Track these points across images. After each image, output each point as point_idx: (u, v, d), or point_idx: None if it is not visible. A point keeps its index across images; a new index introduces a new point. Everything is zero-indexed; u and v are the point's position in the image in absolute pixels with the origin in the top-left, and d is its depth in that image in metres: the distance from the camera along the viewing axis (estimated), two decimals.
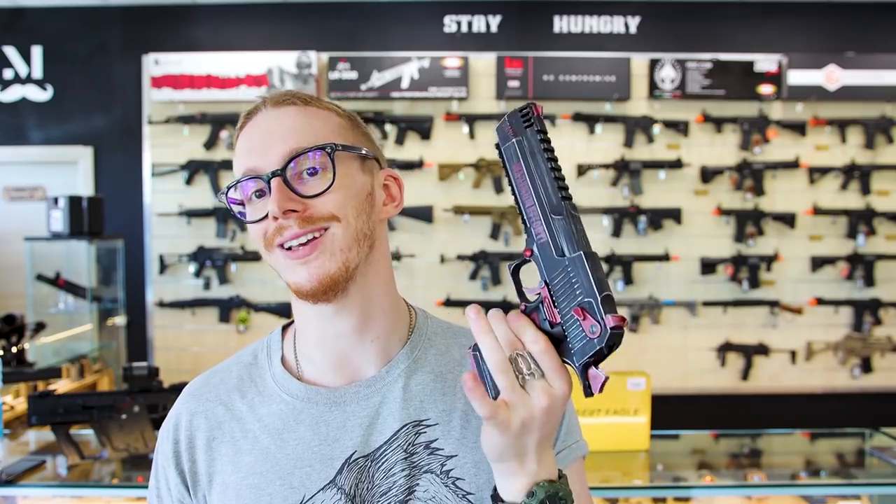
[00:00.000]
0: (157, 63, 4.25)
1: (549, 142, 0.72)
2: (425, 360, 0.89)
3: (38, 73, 4.41)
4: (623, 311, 4.34)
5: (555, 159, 0.72)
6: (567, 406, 0.89)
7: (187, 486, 0.88)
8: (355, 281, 0.83)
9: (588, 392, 0.66)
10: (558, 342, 0.69)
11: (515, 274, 0.74)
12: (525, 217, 0.72)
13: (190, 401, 0.91)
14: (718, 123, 4.29)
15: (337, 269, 0.80)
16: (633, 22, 4.37)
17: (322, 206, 0.80)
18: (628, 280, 4.27)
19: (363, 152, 0.85)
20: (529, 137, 0.72)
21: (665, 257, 4.28)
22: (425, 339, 0.91)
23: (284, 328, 0.96)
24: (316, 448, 0.84)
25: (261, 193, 0.82)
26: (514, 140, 0.73)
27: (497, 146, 0.74)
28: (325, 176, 0.81)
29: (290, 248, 0.80)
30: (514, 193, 0.73)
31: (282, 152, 0.80)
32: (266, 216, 0.80)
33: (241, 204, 0.85)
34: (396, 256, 4.21)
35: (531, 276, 0.72)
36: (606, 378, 0.66)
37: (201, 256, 4.28)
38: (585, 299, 0.66)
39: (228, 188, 0.84)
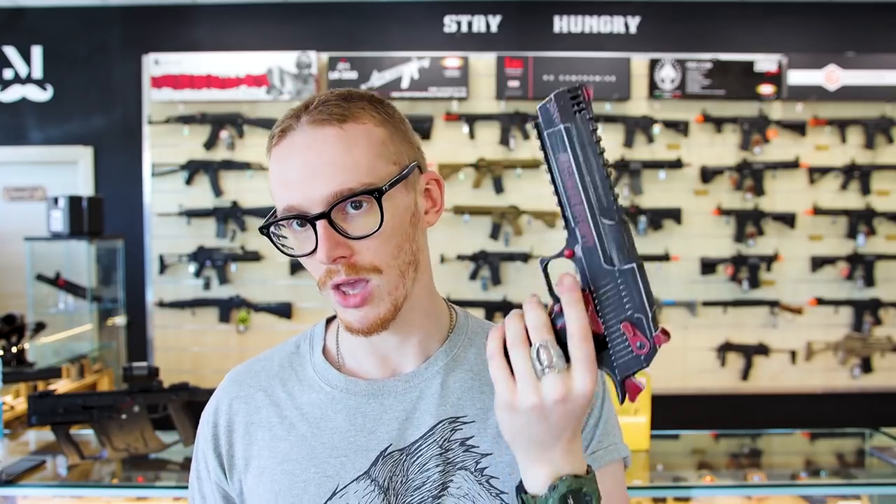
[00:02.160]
0: (157, 63, 4.25)
1: (599, 134, 0.66)
2: (464, 359, 0.89)
3: (38, 73, 4.41)
4: None
5: (605, 155, 0.66)
6: (607, 407, 0.90)
7: (224, 470, 0.90)
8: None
9: (623, 400, 0.66)
10: (597, 349, 0.65)
11: (547, 269, 0.69)
12: (569, 214, 0.66)
13: (231, 386, 0.93)
14: (718, 123, 4.29)
15: (387, 310, 0.81)
16: (633, 22, 4.37)
17: (366, 254, 0.79)
18: None
19: (405, 172, 0.82)
20: (580, 125, 0.65)
21: (665, 257, 4.28)
22: (465, 337, 0.91)
23: (329, 320, 0.96)
24: (352, 438, 0.85)
25: (302, 224, 0.79)
26: (561, 126, 0.65)
27: (537, 126, 0.66)
28: (371, 212, 0.78)
29: (343, 292, 0.80)
30: (555, 186, 0.66)
31: (325, 194, 0.77)
32: (312, 253, 0.79)
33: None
34: None
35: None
36: (643, 387, 0.65)
37: (201, 256, 4.28)
38: (636, 315, 0.64)
39: (271, 224, 0.81)
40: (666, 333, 0.63)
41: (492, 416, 0.85)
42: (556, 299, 0.67)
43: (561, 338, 0.66)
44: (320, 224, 0.77)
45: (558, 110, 0.64)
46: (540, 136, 0.66)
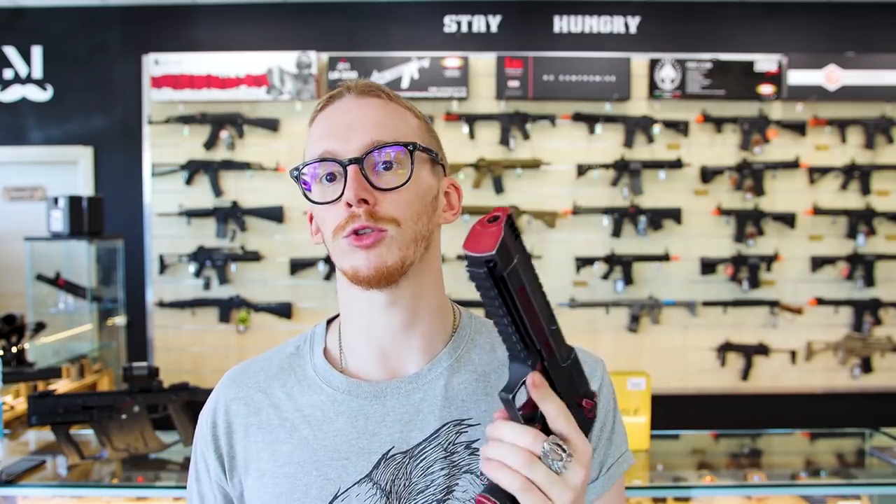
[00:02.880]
0: (157, 63, 4.25)
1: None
2: (468, 360, 0.89)
3: (38, 73, 4.41)
4: (623, 311, 4.35)
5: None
6: (614, 413, 0.90)
7: (225, 471, 0.89)
8: (408, 277, 0.84)
9: None
10: None
11: (514, 400, 0.68)
12: (532, 338, 0.67)
13: (230, 386, 0.92)
14: (718, 123, 4.29)
15: (394, 262, 0.81)
16: (633, 22, 4.37)
17: (388, 206, 0.81)
18: (628, 280, 4.27)
19: (435, 156, 0.87)
20: (522, 250, 0.65)
21: (665, 257, 4.28)
22: (468, 338, 0.91)
23: (329, 321, 0.96)
24: (354, 441, 0.84)
25: (331, 178, 0.83)
26: (515, 260, 0.64)
27: (491, 273, 0.63)
28: (399, 172, 0.82)
29: (357, 234, 0.81)
30: (514, 318, 0.66)
31: (363, 141, 0.82)
32: (336, 199, 0.81)
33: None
34: None
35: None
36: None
37: (201, 256, 4.28)
38: (584, 389, 0.72)
39: (304, 165, 0.84)
40: (595, 396, 0.74)
41: None
42: (528, 420, 0.69)
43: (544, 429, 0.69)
44: (351, 168, 0.80)
45: (510, 248, 0.63)
46: (496, 283, 0.64)
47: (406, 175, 0.82)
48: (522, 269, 0.65)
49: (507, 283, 0.64)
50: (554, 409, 0.68)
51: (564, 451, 0.67)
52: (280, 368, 0.92)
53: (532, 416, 0.69)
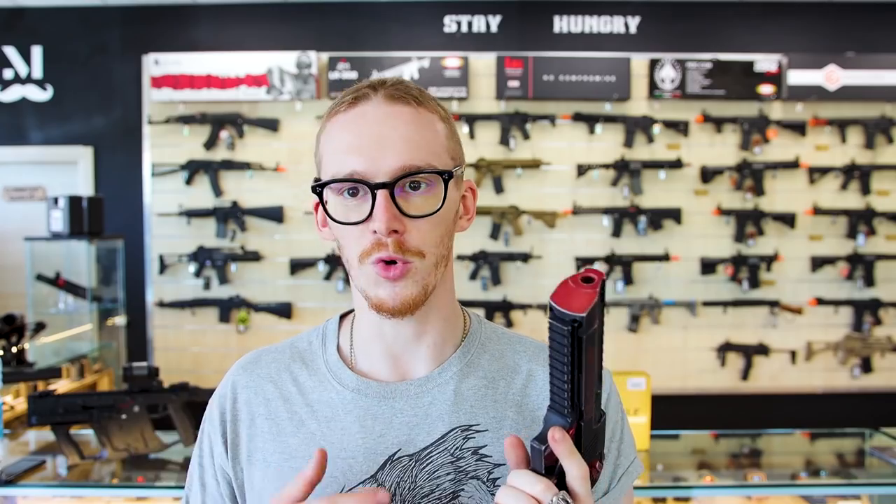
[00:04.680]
0: (157, 63, 4.25)
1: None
2: (478, 365, 0.88)
3: (38, 73, 4.41)
4: (623, 311, 4.35)
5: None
6: (622, 424, 0.91)
7: (229, 456, 0.89)
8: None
9: None
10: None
11: (543, 452, 0.70)
12: (577, 397, 0.68)
13: (241, 373, 0.92)
14: (718, 123, 4.29)
15: (418, 293, 0.81)
16: (633, 22, 4.37)
17: (416, 235, 0.79)
18: (628, 280, 4.28)
19: (460, 169, 0.84)
20: (602, 314, 0.66)
21: (665, 257, 4.28)
22: (479, 344, 0.90)
23: (342, 317, 0.95)
24: (360, 441, 0.84)
25: (354, 192, 0.80)
26: (596, 325, 0.65)
27: (571, 332, 0.64)
28: (428, 195, 0.80)
29: (385, 263, 0.79)
30: (573, 376, 0.67)
31: (396, 165, 0.78)
32: (362, 221, 0.79)
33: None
34: None
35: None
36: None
37: (201, 256, 4.28)
38: (600, 451, 0.74)
39: (327, 183, 0.80)
40: (604, 458, 0.77)
41: (506, 426, 0.85)
42: (549, 469, 0.71)
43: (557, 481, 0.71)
44: (381, 193, 0.77)
45: (597, 312, 0.65)
46: (573, 341, 0.65)
47: (437, 202, 0.80)
48: (598, 335, 0.66)
49: (582, 344, 0.65)
50: (576, 471, 0.69)
51: None
52: (292, 361, 0.91)
53: (552, 468, 0.70)
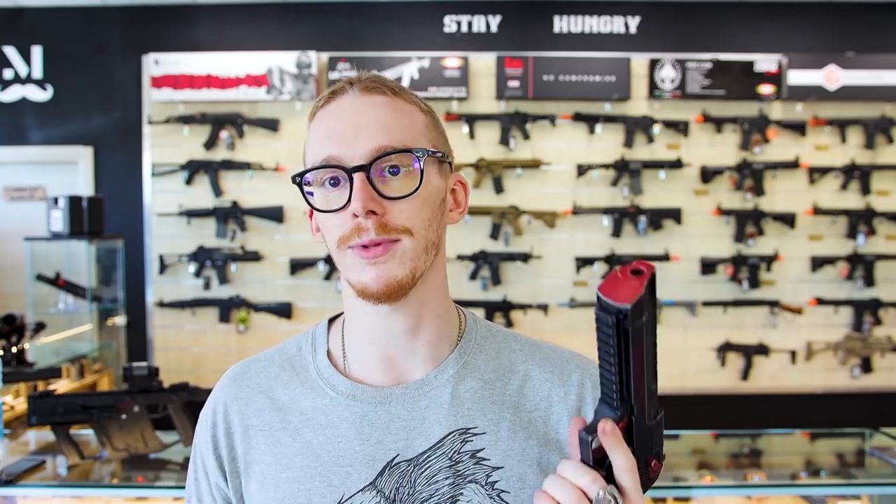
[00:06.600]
0: (157, 63, 4.25)
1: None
2: (475, 366, 0.87)
3: (38, 73, 4.41)
4: None
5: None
6: None
7: (224, 473, 0.87)
8: (415, 285, 0.82)
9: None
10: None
11: (591, 443, 0.70)
12: (626, 390, 0.67)
13: (230, 386, 0.90)
14: (718, 123, 4.29)
15: (404, 275, 0.79)
16: (633, 22, 4.37)
17: (398, 215, 0.79)
18: None
19: (443, 156, 0.84)
20: (652, 309, 0.65)
21: (665, 257, 4.28)
22: (474, 343, 0.89)
23: (331, 321, 0.93)
24: (358, 448, 0.82)
25: (335, 182, 0.80)
26: (643, 318, 0.64)
27: (616, 323, 0.63)
28: (407, 178, 0.79)
29: (364, 247, 0.78)
30: (620, 369, 0.66)
31: (370, 147, 0.78)
32: (342, 208, 0.78)
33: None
34: None
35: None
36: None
37: (201, 256, 4.28)
38: (657, 450, 0.72)
39: (306, 172, 0.81)
40: (663, 458, 0.74)
41: (503, 428, 0.84)
42: (597, 462, 0.70)
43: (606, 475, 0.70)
44: (357, 176, 0.77)
45: (644, 305, 0.64)
46: (618, 333, 0.64)
47: (415, 182, 0.79)
48: (647, 328, 0.65)
49: (628, 336, 0.64)
50: (623, 462, 0.68)
51: (618, 503, 0.67)
52: (282, 369, 0.89)
53: (602, 461, 0.69)
